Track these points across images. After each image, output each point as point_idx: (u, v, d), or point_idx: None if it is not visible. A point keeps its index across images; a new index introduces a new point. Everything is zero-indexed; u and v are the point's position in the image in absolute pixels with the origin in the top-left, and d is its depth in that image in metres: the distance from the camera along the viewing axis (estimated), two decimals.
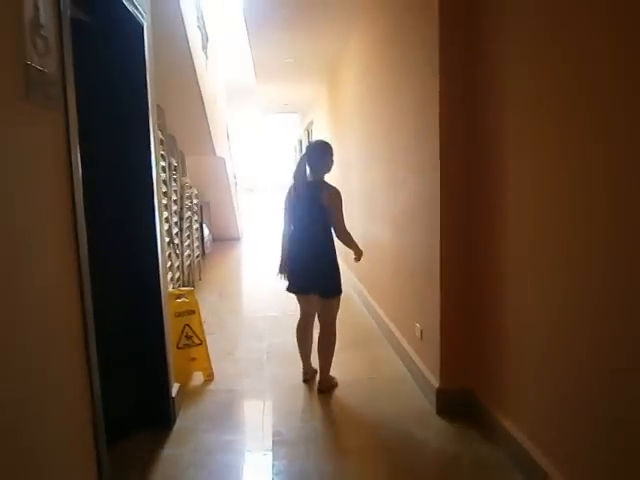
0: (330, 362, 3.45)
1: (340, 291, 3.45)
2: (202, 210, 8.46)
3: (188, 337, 3.60)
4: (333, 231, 3.36)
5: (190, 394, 3.37)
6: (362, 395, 3.34)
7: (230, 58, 9.11)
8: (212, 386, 3.54)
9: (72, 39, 1.67)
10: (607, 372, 1.82)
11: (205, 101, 6.05)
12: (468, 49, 2.75)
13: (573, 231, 1.97)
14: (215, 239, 10.42)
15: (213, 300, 6.07)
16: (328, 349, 3.44)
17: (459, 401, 2.97)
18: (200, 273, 7.30)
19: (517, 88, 2.35)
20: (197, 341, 3.62)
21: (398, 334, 3.92)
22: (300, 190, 3.35)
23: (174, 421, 2.98)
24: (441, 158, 2.85)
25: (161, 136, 4.81)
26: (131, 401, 2.87)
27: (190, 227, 6.60)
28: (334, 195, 3.31)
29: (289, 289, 3.54)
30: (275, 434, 2.88)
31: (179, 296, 3.66)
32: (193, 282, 6.59)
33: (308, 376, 3.59)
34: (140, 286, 2.84)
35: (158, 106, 5.11)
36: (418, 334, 3.37)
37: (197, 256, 7.11)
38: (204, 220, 8.94)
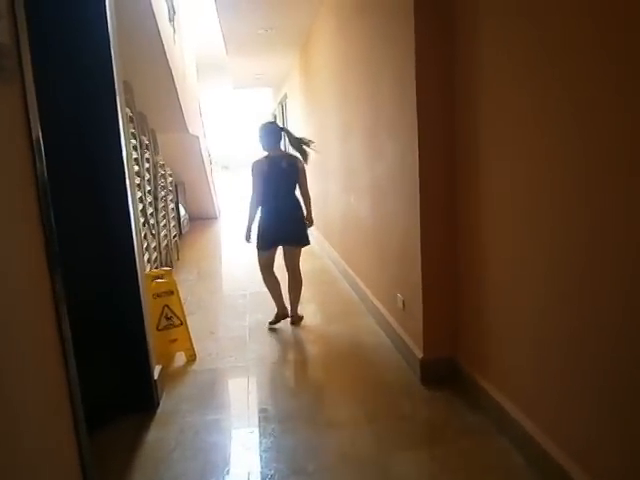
0: (299, 298, 4.23)
1: (309, 241, 4.20)
2: (177, 189, 8.31)
3: (168, 318, 3.53)
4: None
5: (173, 376, 3.33)
6: (346, 368, 3.34)
7: (198, 31, 8.84)
8: (195, 366, 3.49)
9: (25, 5, 1.55)
10: (583, 331, 1.83)
11: (175, 76, 5.86)
12: (445, 15, 2.68)
13: (559, 194, 1.95)
14: (192, 218, 10.28)
15: (192, 279, 6.00)
16: (299, 288, 4.20)
17: (443, 370, 2.99)
18: (178, 253, 7.19)
19: (497, 45, 2.30)
20: (177, 322, 3.57)
21: (380, 305, 3.92)
22: (277, 160, 3.98)
23: (157, 404, 2.94)
24: (419, 124, 2.79)
25: (130, 113, 4.65)
26: (112, 386, 2.82)
27: (165, 207, 6.47)
28: (303, 164, 4.08)
29: (263, 247, 4.05)
30: (261, 411, 2.87)
31: (157, 277, 3.59)
32: (171, 262, 6.49)
33: (279, 318, 4.18)
34: (116, 269, 2.76)
35: (125, 82, 4.94)
36: (400, 305, 3.37)
37: (174, 236, 6.99)
38: (180, 199, 8.78)
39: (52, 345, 1.70)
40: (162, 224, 6.16)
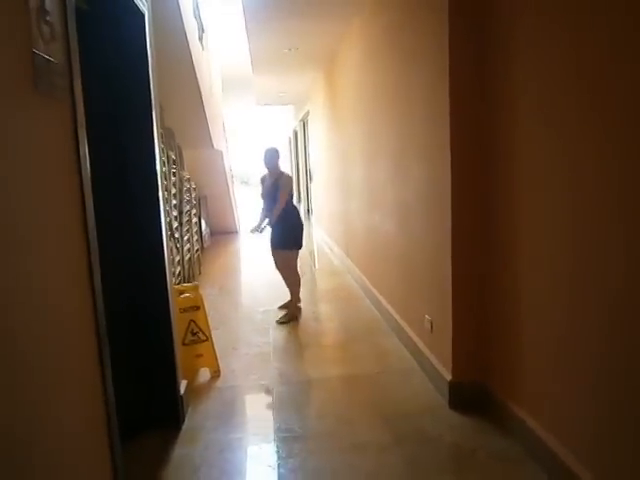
0: (296, 298, 5.02)
1: (288, 247, 4.94)
2: (200, 203, 8.38)
3: (194, 333, 3.54)
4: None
5: (197, 391, 3.32)
6: (372, 390, 3.30)
7: (225, 48, 8.99)
8: (219, 383, 3.48)
9: (76, 28, 1.59)
10: (624, 361, 1.78)
11: (202, 93, 5.95)
12: (479, 35, 2.69)
13: (595, 221, 1.92)
14: (213, 233, 10.34)
15: (214, 294, 6.01)
16: (291, 288, 4.98)
17: (472, 394, 2.93)
18: (200, 267, 7.23)
19: (533, 69, 2.29)
20: (203, 337, 3.57)
21: (406, 326, 3.87)
22: (274, 177, 4.88)
23: (183, 420, 2.93)
24: (452, 145, 2.78)
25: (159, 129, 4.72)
26: (139, 401, 2.82)
27: (189, 221, 6.52)
28: (287, 180, 4.89)
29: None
30: (285, 430, 2.83)
31: (182, 292, 3.60)
32: (193, 276, 6.52)
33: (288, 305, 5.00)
34: (147, 281, 2.78)
35: None
36: (428, 326, 3.33)
37: (196, 250, 7.03)
38: (202, 214, 8.86)
39: (91, 356, 1.70)
40: (186, 238, 6.20)
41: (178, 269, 5.39)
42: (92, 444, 1.70)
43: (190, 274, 6.32)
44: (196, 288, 3.68)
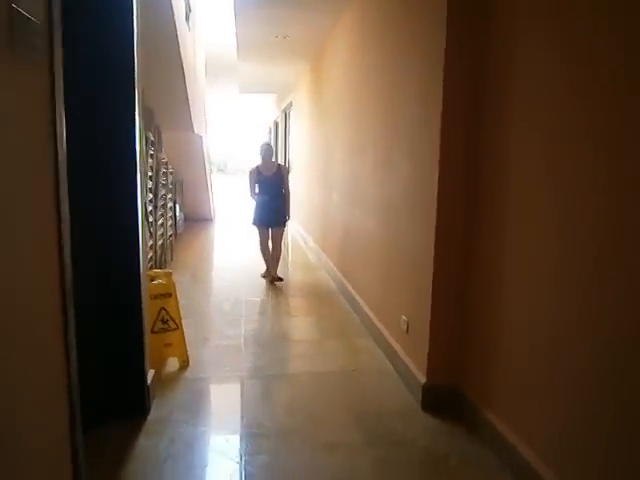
0: (277, 263, 6.03)
1: (285, 225, 6.09)
2: (175, 188, 8.19)
3: (164, 321, 3.42)
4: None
5: (165, 381, 3.21)
6: (344, 388, 3.24)
7: (211, 31, 8.79)
8: (187, 373, 3.38)
9: None
10: (601, 370, 1.76)
11: (186, 74, 5.79)
12: (478, 34, 2.64)
13: (578, 230, 1.89)
14: (187, 219, 10.15)
15: (186, 282, 5.86)
16: (278, 257, 6.03)
17: (445, 397, 2.91)
18: (172, 253, 7.06)
19: (529, 66, 2.25)
20: (173, 326, 3.45)
21: (381, 326, 3.83)
22: (269, 167, 5.94)
23: (149, 410, 2.82)
24: (441, 144, 2.74)
25: None
26: (105, 388, 2.70)
27: (164, 205, 6.36)
28: (287, 170, 6.24)
29: (257, 224, 6.00)
30: (253, 426, 2.75)
31: (154, 278, 3.47)
32: (165, 262, 6.38)
33: (267, 274, 6.04)
34: (119, 266, 2.66)
35: None
36: (404, 327, 3.29)
37: (170, 236, 6.87)
38: (177, 199, 8.68)
39: (56, 336, 1.59)
40: (160, 222, 6.04)
41: (150, 254, 5.24)
42: (51, 434, 1.59)
43: (162, 260, 6.17)
44: (169, 275, 3.56)
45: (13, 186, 1.26)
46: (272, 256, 5.99)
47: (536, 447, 2.19)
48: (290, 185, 6.08)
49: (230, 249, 8.48)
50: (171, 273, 3.59)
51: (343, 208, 5.48)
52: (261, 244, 6.08)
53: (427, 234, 2.90)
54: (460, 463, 2.46)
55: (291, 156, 11.36)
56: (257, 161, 6.03)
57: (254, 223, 6.04)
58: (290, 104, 11.23)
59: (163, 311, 3.42)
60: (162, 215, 6.20)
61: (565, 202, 2.00)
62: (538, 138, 2.19)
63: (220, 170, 32.33)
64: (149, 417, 2.78)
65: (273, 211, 5.90)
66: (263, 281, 6.03)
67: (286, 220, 6.06)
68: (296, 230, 9.61)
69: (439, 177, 2.77)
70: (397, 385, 3.25)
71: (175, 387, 3.17)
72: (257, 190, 5.94)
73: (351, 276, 5.02)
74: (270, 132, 17.44)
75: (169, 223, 6.79)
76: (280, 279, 5.94)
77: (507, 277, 2.42)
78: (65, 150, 1.54)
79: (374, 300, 4.14)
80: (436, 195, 2.79)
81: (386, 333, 3.69)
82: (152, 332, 3.33)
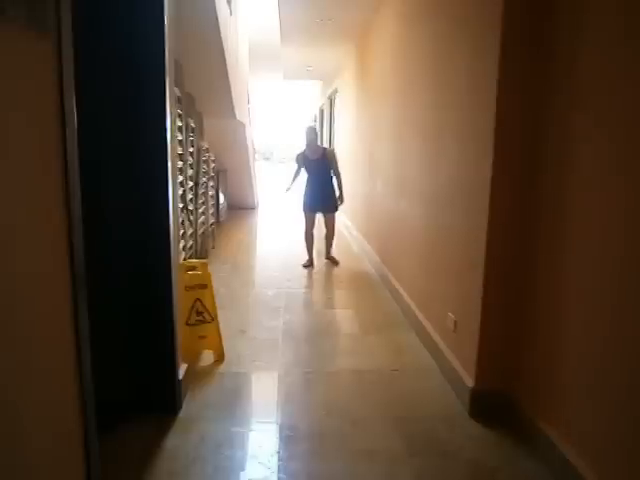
0: (332, 246, 6.20)
1: (337, 209, 6.09)
2: (218, 176, 8.14)
3: (199, 313, 3.32)
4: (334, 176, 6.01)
5: (198, 376, 3.11)
6: (385, 389, 3.05)
7: (254, 16, 8.64)
8: (222, 368, 3.27)
9: None
10: None
11: (227, 59, 5.66)
12: (536, 18, 2.35)
13: None
14: (230, 207, 10.13)
15: (226, 271, 5.80)
16: (332, 240, 6.17)
17: (496, 404, 2.67)
18: (214, 242, 7.02)
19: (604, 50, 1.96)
20: (209, 318, 3.34)
21: (426, 323, 3.60)
22: (315, 151, 5.95)
23: (180, 406, 2.72)
24: (496, 129, 2.47)
25: (178, 93, 4.46)
26: (134, 382, 2.62)
27: (205, 193, 6.28)
28: (334, 154, 6.08)
29: (306, 209, 6.03)
30: (288, 428, 2.61)
31: (191, 268, 3.37)
32: (206, 251, 6.32)
33: (308, 264, 6.01)
34: (149, 255, 2.55)
35: (176, 61, 4.76)
36: (451, 325, 3.06)
37: (211, 224, 6.81)
38: (220, 187, 8.63)
39: (65, 337, 1.47)
40: (201, 211, 5.98)
41: (190, 242, 5.17)
42: (63, 433, 1.48)
43: (203, 248, 6.11)
44: (205, 265, 3.44)
45: (17, 168, 1.13)
46: (326, 237, 6.11)
47: (600, 470, 1.93)
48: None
49: (273, 238, 8.38)
50: (207, 263, 3.47)
51: (388, 197, 5.24)
52: (306, 232, 6.04)
53: (478, 225, 2.65)
54: (510, 479, 2.23)
55: (336, 143, 11.14)
56: (303, 147, 6.04)
57: (303, 209, 6.03)
58: (335, 90, 10.99)
59: (198, 302, 3.31)
60: (203, 203, 6.14)
61: (636, 192, 1.73)
62: (608, 137, 1.90)
63: (266, 159, 32.45)
64: (180, 414, 2.68)
65: (322, 196, 5.87)
66: (304, 272, 5.89)
67: (337, 205, 6.01)
68: (339, 219, 9.41)
69: (493, 162, 2.51)
70: (442, 387, 3.02)
71: (209, 382, 3.06)
72: (306, 175, 5.98)
73: (396, 269, 4.80)
74: (315, 119, 17.23)
75: (211, 211, 6.73)
76: (336, 262, 6.08)
77: (572, 272, 2.16)
78: (76, 135, 1.40)
79: (418, 295, 3.91)
80: (489, 181, 2.53)
81: (431, 330, 3.46)
82: (186, 324, 3.24)
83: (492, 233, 2.57)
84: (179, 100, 4.49)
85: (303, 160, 5.97)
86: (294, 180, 6.22)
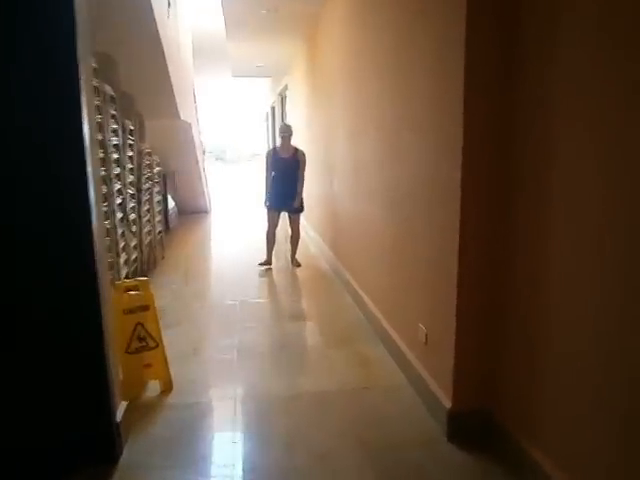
0: (297, 249, 6.02)
1: (303, 210, 5.99)
2: (165, 180, 7.68)
3: (141, 339, 2.93)
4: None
5: (142, 412, 2.73)
6: (352, 413, 2.74)
7: (197, 10, 8.19)
8: (170, 399, 2.90)
9: None
10: None
11: (167, 54, 5.24)
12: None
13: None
14: (181, 212, 9.66)
15: (177, 283, 5.40)
16: (297, 242, 5.99)
17: (477, 426, 2.42)
18: (163, 251, 6.57)
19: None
20: (152, 343, 2.96)
21: (394, 333, 3.33)
22: (287, 149, 5.86)
23: (120, 453, 2.34)
24: (465, 119, 2.21)
25: (112, 92, 4.03)
26: (64, 430, 2.22)
27: (150, 200, 5.83)
28: (304, 157, 5.88)
29: (270, 206, 5.84)
30: (250, 470, 2.28)
31: (129, 288, 2.98)
32: (155, 262, 5.89)
33: (265, 263, 5.88)
34: (67, 278, 2.15)
35: (110, 57, 4.32)
36: (422, 338, 2.79)
37: (159, 232, 6.36)
38: (168, 191, 8.17)
39: None
40: (146, 219, 5.54)
41: (134, 255, 4.74)
42: None
43: (151, 260, 5.68)
44: (146, 284, 3.05)
45: None
46: (291, 240, 6.00)
47: None
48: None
49: (228, 243, 7.98)
50: (149, 282, 3.09)
51: (346, 197, 4.96)
52: (268, 231, 5.88)
53: (449, 226, 2.38)
54: None
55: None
56: (272, 144, 6.00)
57: (266, 205, 5.86)
58: (286, 87, 10.65)
59: (140, 327, 2.93)
60: (148, 211, 5.69)
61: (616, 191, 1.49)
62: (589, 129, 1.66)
63: (219, 159, 31.76)
64: (120, 462, 2.30)
65: (288, 195, 5.72)
66: (261, 279, 5.57)
67: (303, 206, 5.94)
68: None
69: (462, 162, 2.24)
70: (416, 408, 2.75)
71: (155, 420, 2.69)
72: (272, 173, 5.81)
73: (359, 275, 4.50)
74: (267, 118, 16.83)
75: (157, 219, 6.28)
76: (298, 264, 5.95)
77: (556, 274, 1.92)
78: None
79: (385, 303, 3.63)
80: (460, 177, 2.26)
81: (401, 343, 3.19)
82: (127, 352, 2.86)
83: (465, 234, 2.31)
84: (113, 99, 4.06)
85: (273, 157, 5.82)
86: (269, 188, 5.90)
